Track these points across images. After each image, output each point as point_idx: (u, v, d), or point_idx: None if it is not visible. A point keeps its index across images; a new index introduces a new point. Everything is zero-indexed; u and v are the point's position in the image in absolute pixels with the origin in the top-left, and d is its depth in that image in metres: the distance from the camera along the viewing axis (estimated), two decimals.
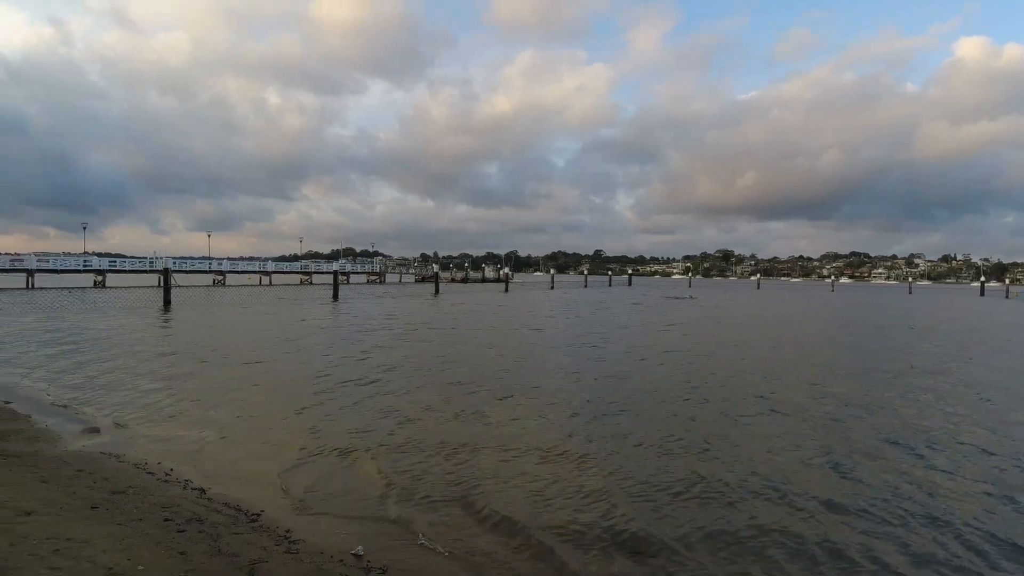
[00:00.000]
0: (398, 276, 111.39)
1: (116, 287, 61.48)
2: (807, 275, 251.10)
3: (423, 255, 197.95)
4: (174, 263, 63.12)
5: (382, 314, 35.89)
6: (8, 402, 10.88)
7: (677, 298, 63.75)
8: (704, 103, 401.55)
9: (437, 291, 65.97)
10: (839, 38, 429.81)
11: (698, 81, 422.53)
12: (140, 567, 4.59)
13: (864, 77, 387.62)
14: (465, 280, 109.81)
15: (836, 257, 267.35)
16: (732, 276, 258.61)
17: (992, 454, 9.14)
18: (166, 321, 29.62)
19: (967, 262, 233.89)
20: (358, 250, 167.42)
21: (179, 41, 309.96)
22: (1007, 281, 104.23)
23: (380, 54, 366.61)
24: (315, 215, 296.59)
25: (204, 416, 10.83)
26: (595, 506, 6.91)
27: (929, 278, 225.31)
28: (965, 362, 19.29)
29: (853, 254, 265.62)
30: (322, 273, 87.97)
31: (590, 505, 6.95)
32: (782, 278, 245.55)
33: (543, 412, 11.36)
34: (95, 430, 9.53)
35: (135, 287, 61.51)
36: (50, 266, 63.11)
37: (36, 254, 65.64)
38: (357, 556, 5.66)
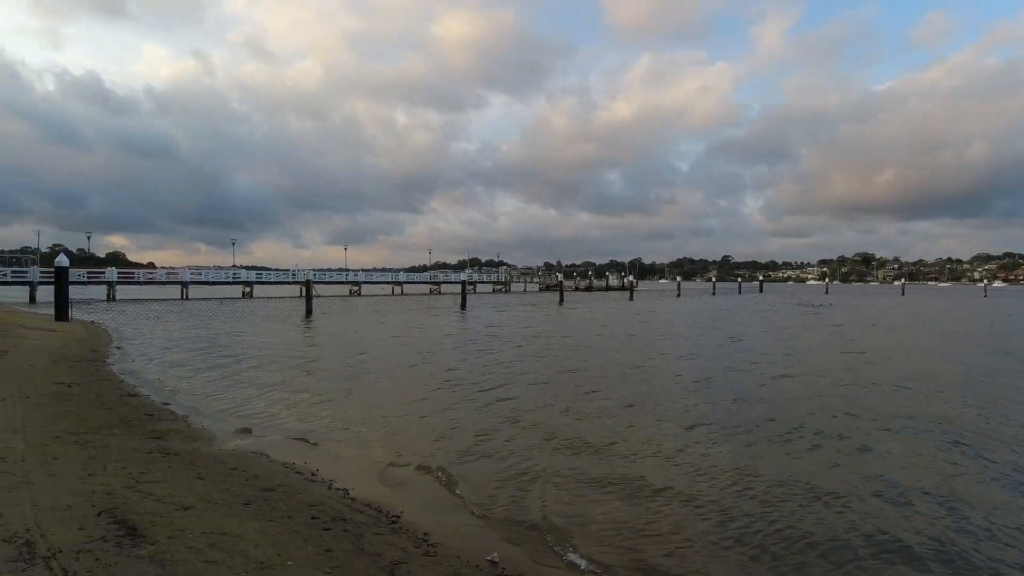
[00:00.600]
0: (523, 285, 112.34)
1: (262, 297, 66.07)
2: (956, 279, 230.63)
3: (546, 264, 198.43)
4: (314, 274, 67.09)
5: (508, 322, 36.28)
6: (167, 403, 11.76)
7: (810, 305, 60.04)
8: (836, 96, 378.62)
9: (561, 300, 65.87)
10: (979, 21, 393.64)
11: (828, 74, 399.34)
12: (289, 562, 4.76)
13: (1010, 61, 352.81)
14: (589, 288, 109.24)
15: (988, 259, 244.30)
16: (873, 281, 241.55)
17: None
18: (308, 328, 31.32)
19: None
20: (484, 260, 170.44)
21: (312, 68, 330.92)
22: None
23: (499, 69, 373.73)
24: (443, 227, 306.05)
25: (344, 419, 11.27)
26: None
27: None
28: None
29: (1007, 255, 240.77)
30: (450, 283, 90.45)
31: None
32: (929, 282, 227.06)
33: (685, 428, 10.97)
34: (247, 430, 10.12)
35: (279, 297, 65.88)
36: (203, 278, 69.06)
37: (190, 268, 72.13)
38: (492, 563, 5.63)
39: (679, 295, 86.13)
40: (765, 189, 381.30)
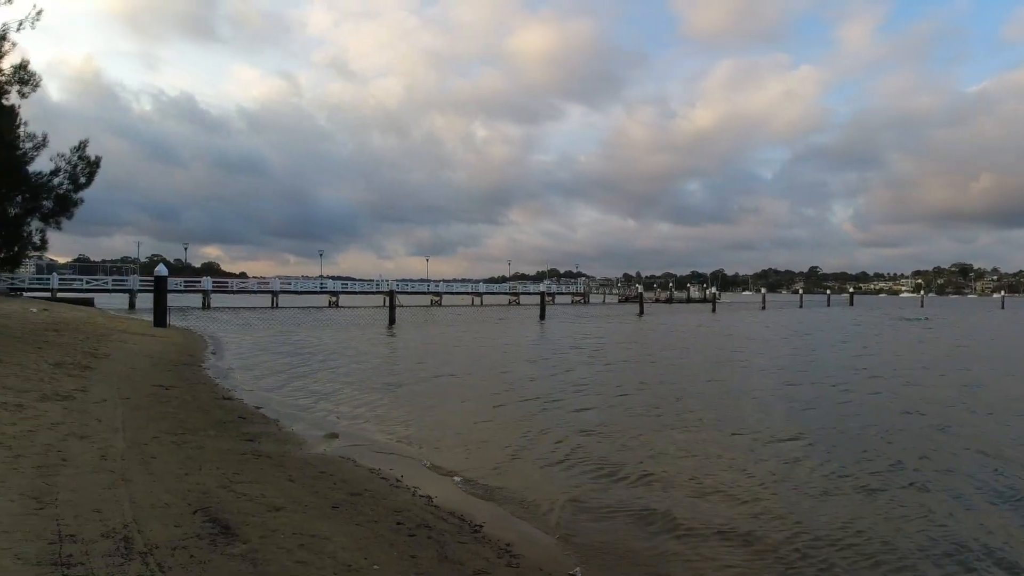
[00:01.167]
0: (601, 296, 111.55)
1: (347, 306, 68.00)
2: None
3: (625, 275, 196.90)
4: (397, 285, 68.75)
5: (588, 334, 36.01)
6: (259, 407, 12.13)
7: (907, 320, 56.85)
8: (927, 98, 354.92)
9: (641, 311, 64.96)
10: None
11: (918, 75, 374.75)
12: (375, 566, 4.76)
13: None
14: (669, 300, 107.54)
15: None
16: (971, 293, 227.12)
17: None
18: (392, 337, 31.98)
19: None
20: (562, 271, 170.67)
21: (393, 86, 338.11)
22: None
23: (576, 80, 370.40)
24: (521, 238, 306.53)
25: (425, 427, 11.38)
26: None
27: None
28: None
29: None
30: (529, 294, 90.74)
31: None
32: None
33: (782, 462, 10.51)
34: (334, 435, 10.32)
35: (364, 307, 67.57)
36: (292, 288, 71.77)
37: (280, 278, 74.97)
38: None
39: (764, 307, 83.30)
40: (854, 197, 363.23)
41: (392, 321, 40.39)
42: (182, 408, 10.65)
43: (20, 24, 17.50)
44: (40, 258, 48.21)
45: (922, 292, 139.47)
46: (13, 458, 6.03)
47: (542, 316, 51.43)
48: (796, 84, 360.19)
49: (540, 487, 7.97)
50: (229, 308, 59.70)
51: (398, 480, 7.74)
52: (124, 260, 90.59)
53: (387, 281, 73.10)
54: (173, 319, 34.26)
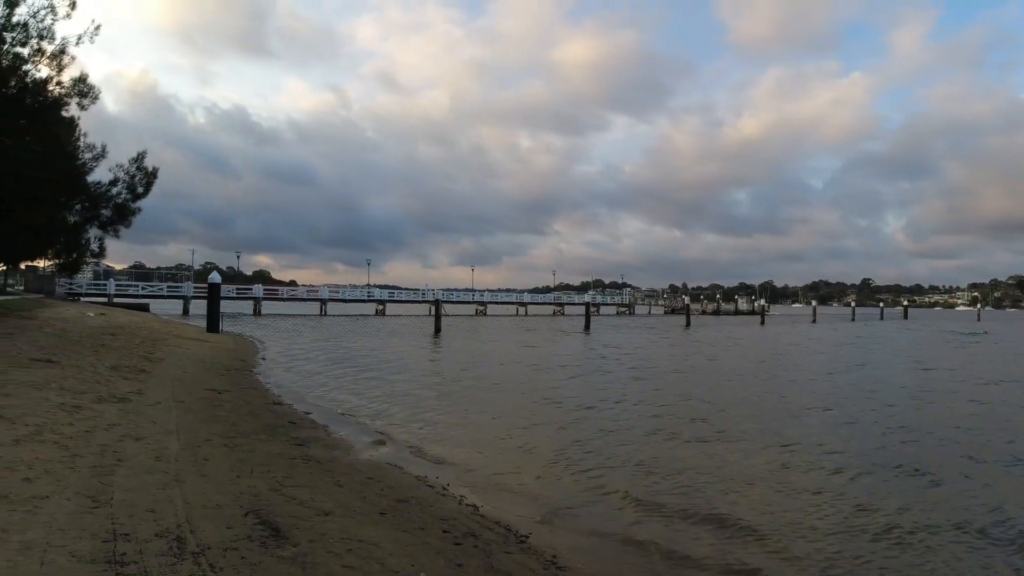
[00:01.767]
0: (647, 307, 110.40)
1: (394, 315, 68.73)
2: None
3: (671, 286, 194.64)
4: (443, 294, 69.23)
5: (634, 345, 35.66)
6: (308, 413, 12.28)
7: (971, 334, 54.17)
8: (981, 105, 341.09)
9: (688, 323, 63.97)
10: None
11: (971, 81, 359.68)
12: (422, 574, 4.74)
13: None
14: (717, 312, 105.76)
15: None
16: None
17: None
18: (437, 346, 32.17)
19: None
20: (607, 282, 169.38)
21: (439, 97, 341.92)
22: None
23: (621, 90, 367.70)
24: (566, 248, 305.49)
25: (471, 436, 11.37)
26: None
27: None
28: None
29: None
30: (573, 304, 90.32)
31: None
32: None
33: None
34: (382, 442, 10.38)
35: (410, 315, 68.28)
36: (340, 296, 72.94)
37: (328, 286, 76.40)
38: None
39: (815, 321, 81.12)
40: (908, 207, 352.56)
41: (438, 330, 40.66)
42: (234, 412, 10.84)
43: (79, 38, 18.14)
44: (98, 264, 49.84)
45: (978, 305, 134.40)
46: (70, 458, 6.18)
47: (587, 327, 51.09)
48: (846, 91, 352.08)
49: (590, 499, 7.88)
50: (279, 315, 60.95)
51: (445, 488, 7.72)
52: (178, 267, 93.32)
53: (433, 290, 73.63)
54: (225, 325, 35.04)
